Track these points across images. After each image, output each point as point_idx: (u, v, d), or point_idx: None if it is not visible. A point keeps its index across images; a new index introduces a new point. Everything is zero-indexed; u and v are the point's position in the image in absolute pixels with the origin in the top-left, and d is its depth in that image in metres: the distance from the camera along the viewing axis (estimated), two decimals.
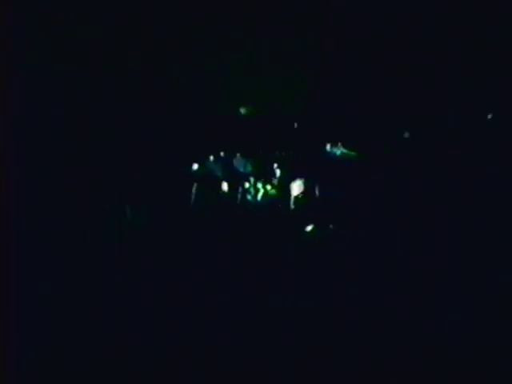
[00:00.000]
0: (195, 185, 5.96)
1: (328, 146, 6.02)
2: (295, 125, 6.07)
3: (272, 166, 6.25)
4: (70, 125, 7.30)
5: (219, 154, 6.21)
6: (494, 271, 5.21)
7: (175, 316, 4.53)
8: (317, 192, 6.07)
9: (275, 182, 6.23)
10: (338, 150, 5.91)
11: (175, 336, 4.04)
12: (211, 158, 6.12)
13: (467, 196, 6.21)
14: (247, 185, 6.25)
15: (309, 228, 5.88)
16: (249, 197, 6.24)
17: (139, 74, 6.71)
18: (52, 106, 7.49)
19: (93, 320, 4.37)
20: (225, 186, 6.14)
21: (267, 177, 6.26)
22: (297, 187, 6.12)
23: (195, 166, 6.03)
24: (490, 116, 6.99)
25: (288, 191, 6.17)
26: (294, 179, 6.16)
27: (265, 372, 3.61)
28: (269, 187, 6.21)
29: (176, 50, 6.58)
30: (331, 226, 5.82)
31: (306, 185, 6.08)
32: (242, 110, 6.17)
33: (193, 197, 5.88)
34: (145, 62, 6.74)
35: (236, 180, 6.24)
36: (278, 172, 6.23)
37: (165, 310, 4.65)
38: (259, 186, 6.25)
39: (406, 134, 5.85)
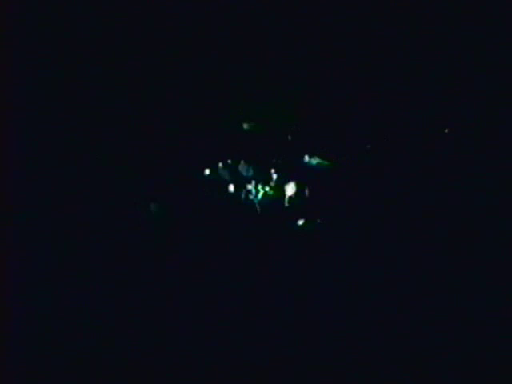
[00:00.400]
0: (207, 186, 6.75)
1: (306, 157, 6.94)
2: (289, 137, 6.99)
3: (270, 171, 7.05)
4: (84, 127, 7.63)
5: (227, 162, 7.04)
6: (493, 270, 5.11)
7: (175, 315, 4.36)
8: (306, 193, 6.87)
9: (273, 184, 7.02)
10: (314, 161, 6.89)
11: (175, 336, 3.84)
12: (220, 164, 6.98)
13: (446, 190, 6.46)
14: (250, 187, 6.98)
15: (300, 222, 6.67)
16: (251, 196, 6.97)
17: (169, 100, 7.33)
18: (64, 107, 7.66)
19: (93, 320, 4.19)
20: (231, 188, 6.92)
21: (266, 180, 7.03)
22: (290, 188, 6.91)
23: (207, 171, 6.92)
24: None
25: (283, 192, 6.94)
26: (288, 182, 6.92)
27: (264, 371, 3.34)
28: (267, 188, 7.00)
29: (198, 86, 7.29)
30: (319, 221, 6.65)
31: (297, 187, 6.87)
32: (245, 126, 7.07)
33: (206, 195, 6.62)
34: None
35: (241, 183, 6.99)
36: (274, 176, 7.05)
37: (165, 309, 4.48)
38: (260, 187, 7.00)
39: (368, 146, 6.76)
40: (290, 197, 6.93)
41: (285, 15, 7.34)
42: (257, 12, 7.30)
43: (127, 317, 4.33)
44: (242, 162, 7.10)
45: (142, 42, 7.65)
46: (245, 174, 7.13)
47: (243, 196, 6.99)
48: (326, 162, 6.87)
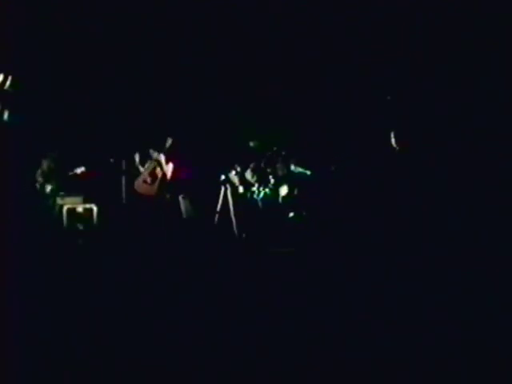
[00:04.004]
0: (222, 188, 8.18)
1: (292, 166, 8.49)
2: (283, 153, 8.65)
3: (269, 177, 8.55)
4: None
5: (237, 169, 8.49)
6: (493, 272, 4.87)
7: (175, 314, 4.01)
8: (295, 193, 8.52)
9: (271, 187, 8.54)
10: (296, 169, 8.47)
11: (175, 336, 3.45)
12: (233, 172, 8.43)
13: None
14: (254, 189, 8.50)
15: (291, 214, 8.38)
16: (255, 196, 8.50)
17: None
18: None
19: (93, 320, 3.83)
20: (241, 189, 8.43)
21: (266, 184, 8.51)
22: (283, 190, 8.54)
23: (223, 177, 8.29)
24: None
25: (278, 192, 8.56)
26: (282, 185, 8.53)
27: (264, 370, 2.89)
28: (267, 190, 8.51)
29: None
30: (304, 213, 8.35)
31: (289, 189, 8.49)
32: (251, 144, 8.68)
33: (221, 195, 8.12)
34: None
35: (247, 186, 8.49)
36: (272, 181, 8.57)
37: (165, 308, 4.18)
38: (261, 189, 8.48)
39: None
40: (284, 196, 8.54)
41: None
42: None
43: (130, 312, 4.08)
44: (249, 170, 8.60)
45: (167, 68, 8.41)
46: (250, 179, 8.60)
47: (249, 196, 8.48)
48: (306, 171, 8.51)
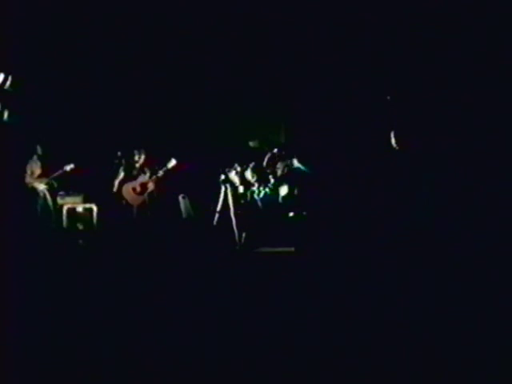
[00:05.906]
0: (223, 188, 8.16)
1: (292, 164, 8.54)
2: (283, 152, 8.71)
3: (268, 177, 8.67)
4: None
5: (237, 169, 8.44)
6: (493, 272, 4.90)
7: (175, 315, 4.00)
8: (296, 192, 8.56)
9: (271, 186, 8.62)
10: (296, 169, 8.53)
11: (175, 336, 3.43)
12: (233, 171, 8.40)
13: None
14: (254, 188, 8.59)
15: (291, 214, 8.38)
16: (255, 196, 8.58)
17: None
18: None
19: (93, 320, 3.82)
20: (241, 189, 8.47)
21: (266, 183, 8.61)
22: (284, 190, 8.59)
23: (222, 177, 8.29)
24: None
25: (278, 192, 8.61)
26: (282, 185, 8.59)
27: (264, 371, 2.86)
28: (267, 190, 8.59)
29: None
30: (305, 213, 8.32)
31: (289, 188, 8.54)
32: (251, 144, 8.87)
33: (222, 195, 8.14)
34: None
35: (247, 185, 8.55)
36: (272, 180, 8.68)
37: (165, 308, 4.17)
38: (261, 189, 8.57)
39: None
40: (284, 196, 8.59)
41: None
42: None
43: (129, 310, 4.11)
44: (249, 169, 8.60)
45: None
46: (250, 179, 8.64)
47: (249, 195, 8.54)
48: (306, 171, 8.58)
